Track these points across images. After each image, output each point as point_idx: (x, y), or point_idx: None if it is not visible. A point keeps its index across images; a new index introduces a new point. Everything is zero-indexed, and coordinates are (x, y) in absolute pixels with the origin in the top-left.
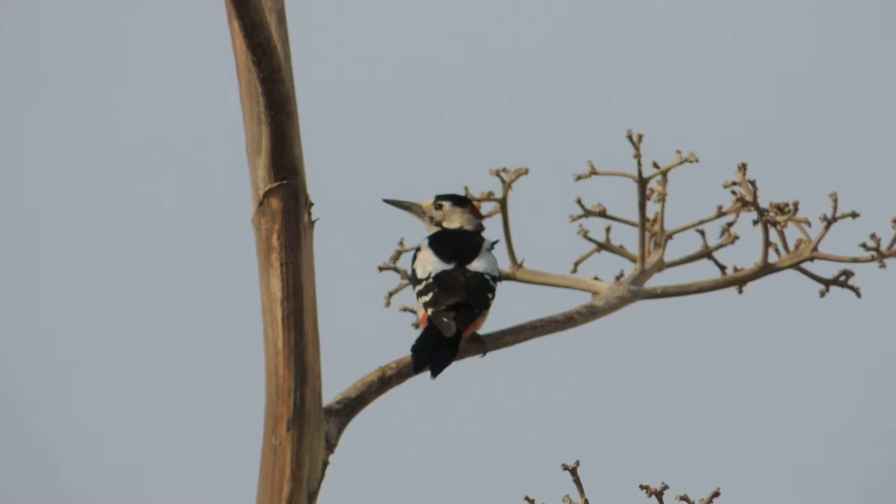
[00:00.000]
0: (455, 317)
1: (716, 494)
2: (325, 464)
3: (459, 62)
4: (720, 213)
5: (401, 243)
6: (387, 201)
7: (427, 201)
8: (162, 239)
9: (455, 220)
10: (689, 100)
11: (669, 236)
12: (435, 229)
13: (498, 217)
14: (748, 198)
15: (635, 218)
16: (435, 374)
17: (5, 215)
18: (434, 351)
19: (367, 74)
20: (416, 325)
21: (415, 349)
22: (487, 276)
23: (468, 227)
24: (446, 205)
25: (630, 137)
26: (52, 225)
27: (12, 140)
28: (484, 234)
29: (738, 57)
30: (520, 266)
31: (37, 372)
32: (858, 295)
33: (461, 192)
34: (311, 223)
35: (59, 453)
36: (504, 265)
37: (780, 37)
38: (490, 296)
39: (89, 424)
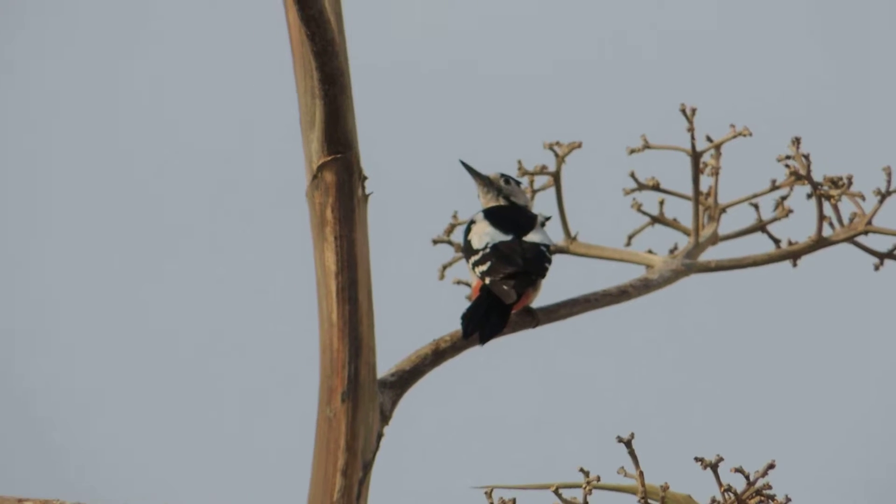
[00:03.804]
0: (513, 285)
1: (771, 466)
2: (380, 435)
3: (512, 32)
4: (774, 187)
5: (454, 216)
6: (463, 163)
7: (494, 174)
8: (216, 213)
9: (519, 198)
10: (743, 72)
11: (723, 210)
12: (492, 203)
13: (551, 190)
14: (802, 171)
15: (689, 191)
16: (484, 340)
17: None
18: (485, 318)
19: (421, 42)
20: (470, 298)
21: (464, 317)
22: (543, 247)
23: (523, 204)
24: (513, 182)
25: (683, 111)
26: (95, 204)
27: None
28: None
29: (790, 28)
30: (573, 239)
31: (77, 346)
32: None
33: (514, 167)
34: (366, 196)
35: (99, 433)
36: (558, 238)
37: (836, 7)
38: (546, 265)
39: (137, 401)
